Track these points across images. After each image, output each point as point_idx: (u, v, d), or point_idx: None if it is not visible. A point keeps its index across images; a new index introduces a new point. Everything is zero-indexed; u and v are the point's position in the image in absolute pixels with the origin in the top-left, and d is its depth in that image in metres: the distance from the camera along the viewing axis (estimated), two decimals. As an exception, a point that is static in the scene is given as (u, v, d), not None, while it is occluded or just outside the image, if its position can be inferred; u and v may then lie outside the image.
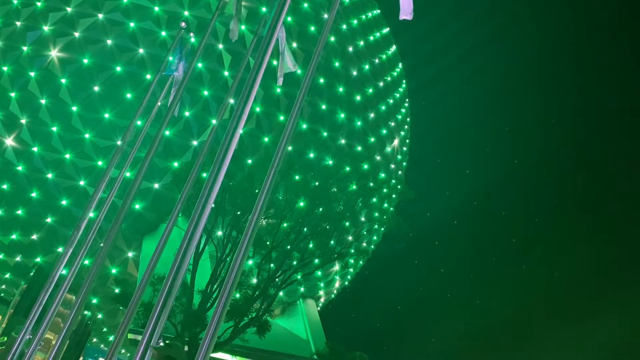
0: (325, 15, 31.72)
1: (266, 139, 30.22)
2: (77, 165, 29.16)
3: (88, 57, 29.11)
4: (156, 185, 29.20)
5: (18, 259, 30.89)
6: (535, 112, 61.94)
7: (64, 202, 29.47)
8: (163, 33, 29.67)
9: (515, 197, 58.27)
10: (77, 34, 29.38)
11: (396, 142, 38.59)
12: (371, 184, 29.84)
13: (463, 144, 59.57)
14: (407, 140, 41.87)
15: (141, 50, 29.35)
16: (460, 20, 58.60)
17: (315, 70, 11.42)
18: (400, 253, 46.10)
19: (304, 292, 33.71)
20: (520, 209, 58.36)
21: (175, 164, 28.80)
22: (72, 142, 29.02)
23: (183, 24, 16.77)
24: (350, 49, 34.73)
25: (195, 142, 29.26)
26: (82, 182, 29.21)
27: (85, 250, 14.85)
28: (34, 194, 29.44)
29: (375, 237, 36.70)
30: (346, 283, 40.55)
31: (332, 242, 25.61)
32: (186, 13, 29.89)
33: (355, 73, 34.50)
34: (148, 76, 28.31)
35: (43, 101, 28.87)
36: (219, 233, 23.84)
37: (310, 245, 24.81)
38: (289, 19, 30.85)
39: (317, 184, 25.88)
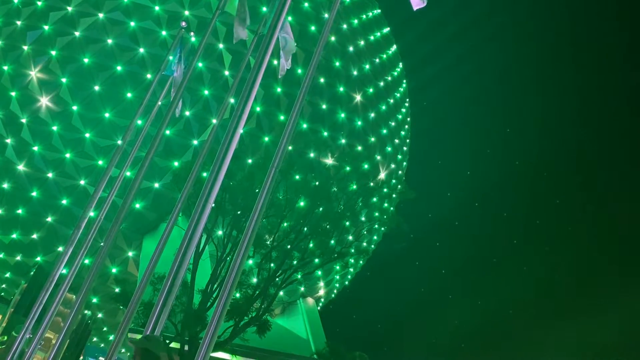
0: (326, 15, 31.73)
1: (266, 139, 30.23)
2: (78, 165, 29.17)
3: (88, 57, 29.13)
4: (156, 185, 29.21)
5: (18, 258, 30.91)
6: (536, 112, 61.93)
7: (64, 202, 29.48)
8: (163, 32, 29.68)
9: (517, 198, 58.29)
10: (77, 33, 29.40)
11: (396, 141, 38.61)
12: (371, 184, 29.84)
13: (464, 145, 59.57)
14: (408, 140, 41.87)
15: (142, 50, 29.36)
16: (460, 20, 58.61)
17: (315, 70, 11.42)
18: (402, 254, 46.09)
19: (304, 291, 33.72)
20: (522, 210, 58.37)
21: (176, 164, 28.81)
22: (72, 142, 29.03)
23: (183, 24, 16.79)
24: (351, 48, 34.73)
25: (195, 142, 29.27)
26: (82, 182, 29.22)
27: (86, 249, 14.88)
28: (34, 193, 29.46)
29: (375, 237, 36.71)
30: (346, 283, 40.56)
31: (332, 241, 25.62)
32: (186, 12, 29.90)
33: (355, 73, 34.51)
34: (148, 75, 28.32)
35: (43, 101, 28.89)
36: (219, 232, 23.84)
37: (311, 245, 24.80)
38: (290, 18, 30.83)
39: (317, 183, 25.87)
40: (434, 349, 51.77)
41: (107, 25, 29.56)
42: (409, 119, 42.09)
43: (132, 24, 29.63)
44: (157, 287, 19.39)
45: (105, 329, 33.32)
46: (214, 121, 27.56)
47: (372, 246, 37.02)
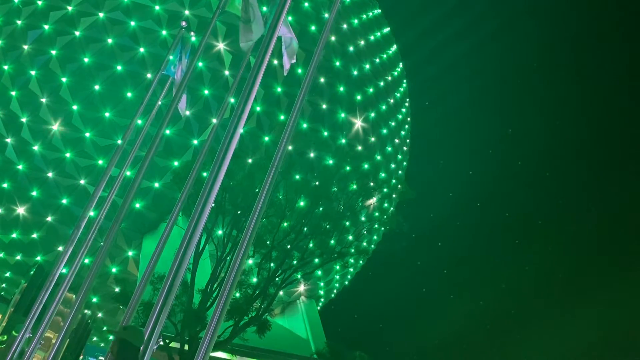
0: (326, 15, 31.70)
1: (266, 139, 30.22)
2: (78, 164, 29.17)
3: (89, 56, 29.13)
4: (156, 185, 29.21)
5: (18, 257, 30.91)
6: (537, 113, 61.92)
7: (64, 201, 29.48)
8: (164, 32, 29.68)
9: (518, 199, 58.23)
10: (77, 33, 29.40)
11: (397, 141, 38.60)
12: (371, 184, 29.82)
13: (465, 145, 59.53)
14: (408, 140, 41.87)
15: (142, 49, 29.36)
16: (461, 20, 58.56)
17: (315, 70, 11.41)
18: (404, 254, 46.04)
19: (304, 291, 33.71)
20: (523, 211, 58.31)
21: (176, 163, 28.80)
22: (72, 141, 29.03)
23: (184, 23, 16.78)
24: (351, 48, 34.72)
25: (195, 141, 29.27)
26: (82, 181, 29.21)
27: (86, 249, 14.87)
28: (34, 193, 29.45)
29: (375, 237, 36.70)
30: (346, 283, 40.56)
31: (332, 241, 25.62)
32: (187, 12, 29.90)
33: (355, 72, 34.50)
34: (148, 75, 28.32)
35: (44, 100, 28.89)
36: (219, 232, 23.84)
37: (311, 245, 24.81)
38: (290, 18, 30.79)
39: (317, 183, 25.87)
40: (435, 350, 51.73)
41: (107, 24, 29.56)
42: (409, 119, 42.09)
43: (132, 23, 29.64)
44: (157, 287, 19.39)
45: (105, 328, 33.30)
46: (214, 121, 27.55)
47: (372, 246, 37.01)
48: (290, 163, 24.45)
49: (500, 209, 57.71)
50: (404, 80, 41.69)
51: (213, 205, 8.77)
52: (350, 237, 27.57)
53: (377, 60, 37.15)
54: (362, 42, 35.87)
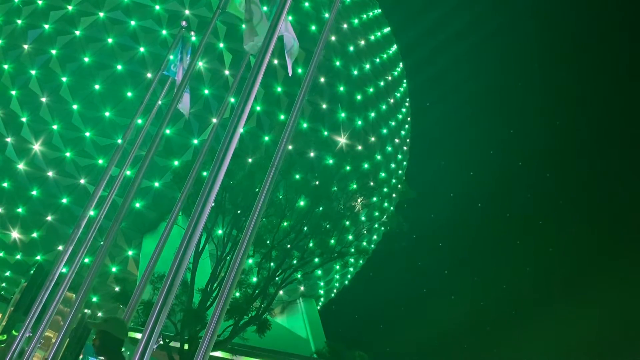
0: (326, 15, 31.69)
1: (267, 138, 30.21)
2: (78, 164, 29.17)
3: (89, 56, 29.13)
4: (156, 184, 29.21)
5: (18, 257, 30.91)
6: (539, 113, 61.87)
7: (64, 201, 29.48)
8: (164, 32, 29.68)
9: (519, 199, 58.23)
10: (77, 32, 29.39)
11: (397, 141, 38.60)
12: (371, 183, 29.83)
13: (466, 145, 59.51)
14: (408, 140, 41.87)
15: (142, 49, 29.36)
16: (461, 20, 58.55)
17: (315, 70, 11.40)
18: (404, 254, 46.03)
19: (304, 291, 33.71)
20: (524, 211, 58.29)
21: (176, 163, 28.81)
22: (72, 141, 29.03)
23: (184, 23, 16.77)
24: (351, 48, 34.72)
25: (195, 141, 29.27)
26: (82, 181, 29.21)
27: (86, 248, 14.85)
28: (34, 192, 29.45)
29: (375, 237, 36.70)
30: (346, 282, 40.56)
31: (332, 241, 25.62)
32: (187, 12, 29.90)
33: (356, 72, 34.49)
34: (149, 75, 28.32)
35: (44, 99, 28.89)
36: (219, 232, 23.84)
37: (311, 244, 24.80)
38: (290, 18, 30.79)
39: (317, 183, 25.86)
40: (436, 350, 51.68)
41: (107, 24, 29.56)
42: (409, 119, 42.09)
43: (133, 23, 29.64)
44: (157, 286, 19.41)
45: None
46: (214, 120, 27.54)
47: (372, 246, 37.01)
48: (290, 163, 24.40)
49: (501, 209, 57.70)
50: (404, 80, 41.70)
51: (213, 204, 8.76)
52: (350, 237, 27.57)
53: (378, 60, 37.15)
54: (363, 42, 35.87)
